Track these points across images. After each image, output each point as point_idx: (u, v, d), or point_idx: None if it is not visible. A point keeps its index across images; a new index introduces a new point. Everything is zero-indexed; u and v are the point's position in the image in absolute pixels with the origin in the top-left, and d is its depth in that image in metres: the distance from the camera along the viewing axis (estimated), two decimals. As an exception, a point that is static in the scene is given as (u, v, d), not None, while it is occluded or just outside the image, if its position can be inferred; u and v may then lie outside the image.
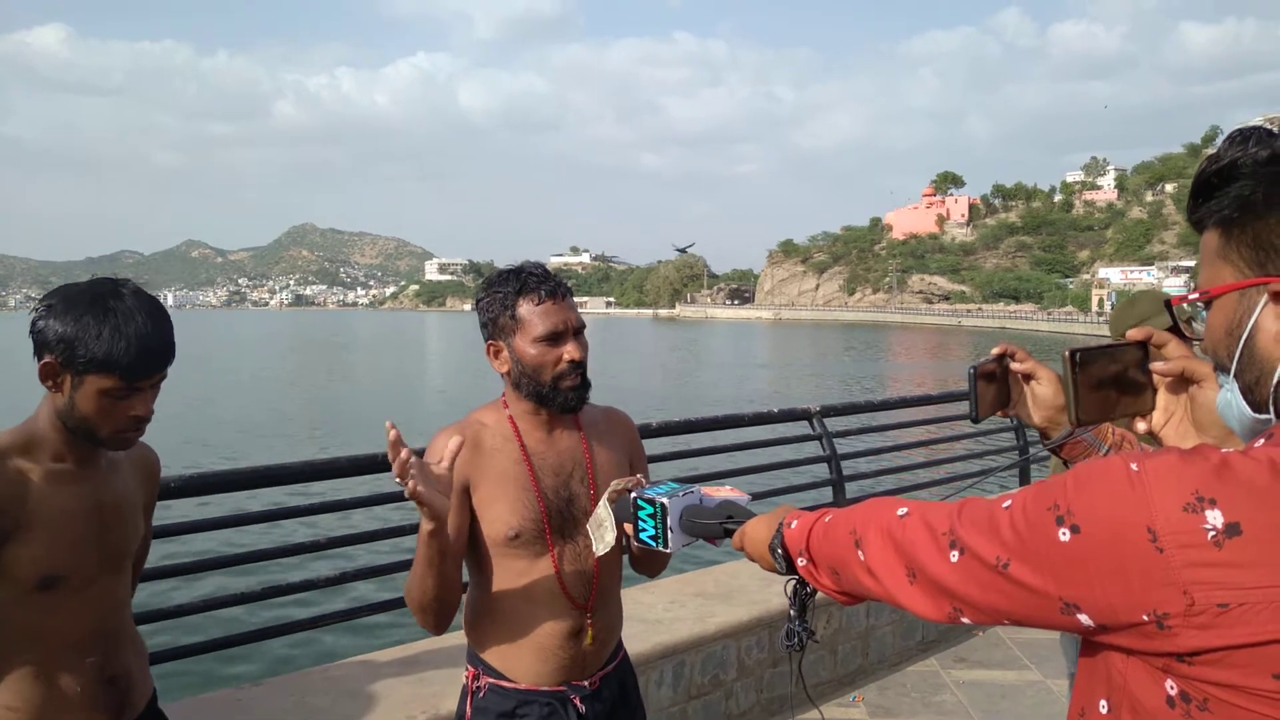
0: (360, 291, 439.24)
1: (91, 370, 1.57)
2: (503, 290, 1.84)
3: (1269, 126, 0.91)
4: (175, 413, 22.43)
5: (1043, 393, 1.32)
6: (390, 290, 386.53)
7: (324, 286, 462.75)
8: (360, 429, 22.22)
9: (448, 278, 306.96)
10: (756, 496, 4.03)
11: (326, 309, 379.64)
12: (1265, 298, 0.89)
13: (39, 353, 1.60)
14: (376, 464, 3.31)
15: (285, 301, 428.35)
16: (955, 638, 4.77)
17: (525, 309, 1.82)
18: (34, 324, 1.61)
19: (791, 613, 1.39)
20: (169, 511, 3.10)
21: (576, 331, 1.85)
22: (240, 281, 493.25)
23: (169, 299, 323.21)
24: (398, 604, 3.38)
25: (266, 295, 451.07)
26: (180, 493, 2.82)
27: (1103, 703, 0.93)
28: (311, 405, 29.36)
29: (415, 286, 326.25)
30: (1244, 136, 0.90)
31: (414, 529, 3.35)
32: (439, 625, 1.83)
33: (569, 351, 1.82)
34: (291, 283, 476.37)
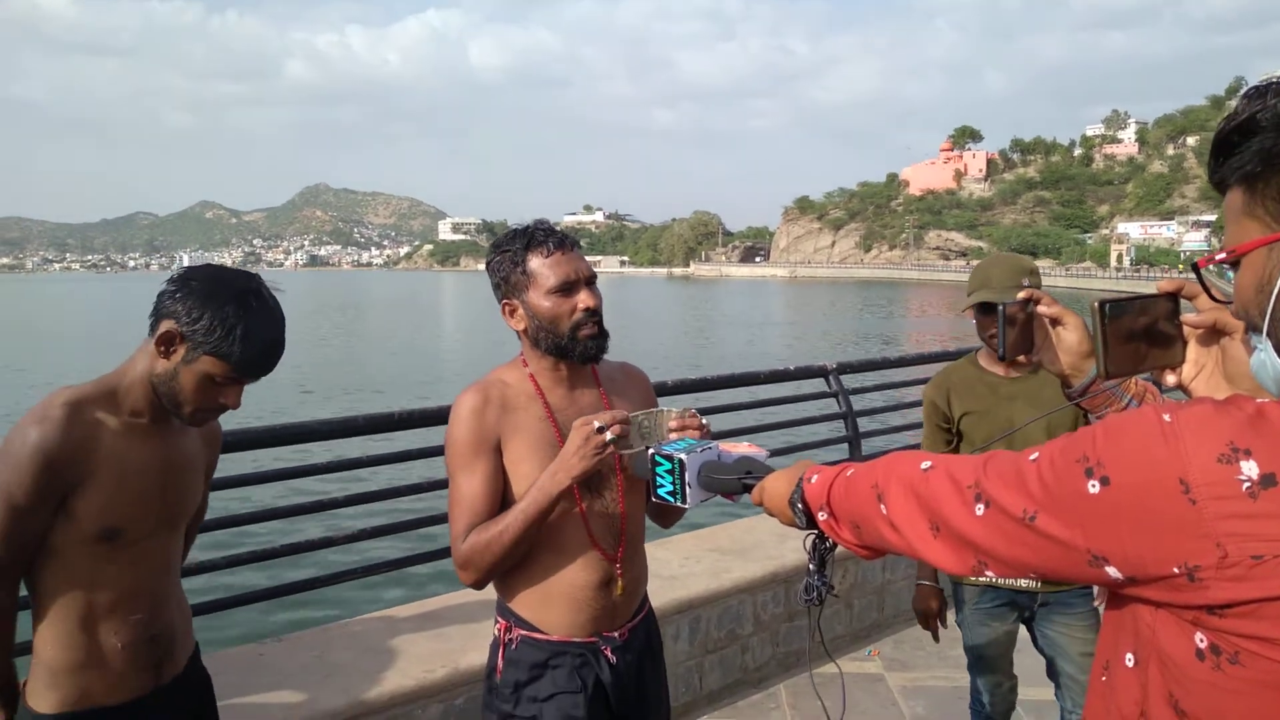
0: (375, 252, 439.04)
1: (212, 355, 1.62)
2: (511, 248, 1.86)
3: None
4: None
5: (1069, 338, 1.30)
6: (405, 250, 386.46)
7: (338, 247, 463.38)
8: (389, 388, 22.41)
9: (461, 237, 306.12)
10: (772, 454, 4.02)
11: (341, 269, 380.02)
12: None
13: (162, 317, 1.64)
14: (394, 422, 3.33)
15: (300, 262, 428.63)
16: (971, 593, 4.77)
17: (535, 263, 1.83)
18: (168, 292, 1.65)
19: (811, 567, 1.38)
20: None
21: (589, 281, 1.86)
22: (255, 242, 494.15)
23: (185, 260, 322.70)
24: (417, 560, 3.41)
25: (281, 256, 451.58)
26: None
27: (1129, 656, 0.92)
28: (345, 366, 29.48)
29: (429, 246, 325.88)
30: (1261, 90, 0.88)
31: (430, 486, 3.38)
32: (488, 582, 1.87)
33: (583, 300, 1.83)
34: (306, 243, 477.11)
